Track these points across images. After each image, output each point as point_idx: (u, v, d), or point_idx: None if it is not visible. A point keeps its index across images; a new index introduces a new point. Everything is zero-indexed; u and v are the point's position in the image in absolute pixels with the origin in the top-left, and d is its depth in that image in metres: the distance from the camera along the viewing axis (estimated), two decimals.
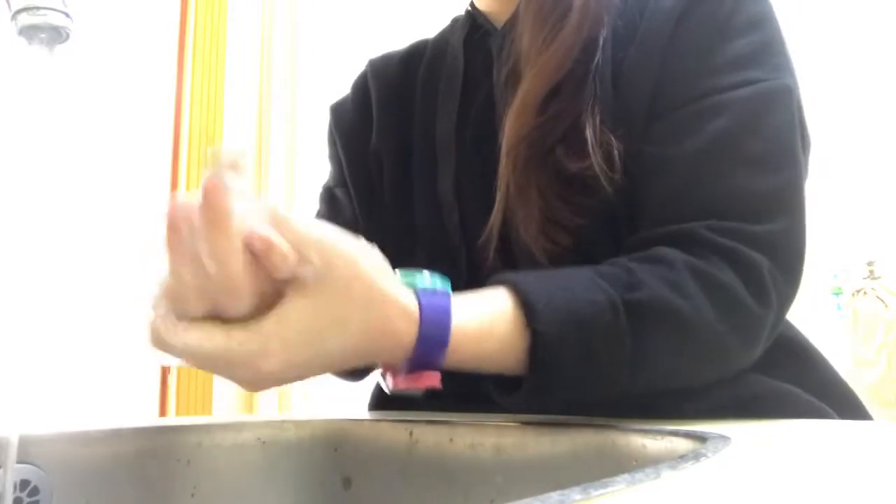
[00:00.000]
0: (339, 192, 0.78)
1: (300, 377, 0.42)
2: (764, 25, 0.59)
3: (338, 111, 0.81)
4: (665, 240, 0.53)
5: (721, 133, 0.55)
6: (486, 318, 0.47)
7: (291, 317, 0.39)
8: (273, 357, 0.39)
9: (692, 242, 0.53)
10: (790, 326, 0.65)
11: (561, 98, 0.60)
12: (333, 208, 0.78)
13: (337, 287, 0.40)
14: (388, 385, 0.48)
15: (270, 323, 0.39)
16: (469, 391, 0.63)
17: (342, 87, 0.83)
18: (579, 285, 0.49)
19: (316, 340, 0.40)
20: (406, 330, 0.43)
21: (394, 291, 0.43)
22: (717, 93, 0.56)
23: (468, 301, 0.47)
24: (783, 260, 0.54)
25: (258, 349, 0.39)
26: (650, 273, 0.50)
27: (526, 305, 0.47)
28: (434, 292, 0.45)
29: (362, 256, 0.42)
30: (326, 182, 0.81)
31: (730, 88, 0.56)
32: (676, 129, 0.57)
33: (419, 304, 0.44)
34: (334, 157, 0.80)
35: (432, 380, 0.45)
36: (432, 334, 0.44)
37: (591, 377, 0.49)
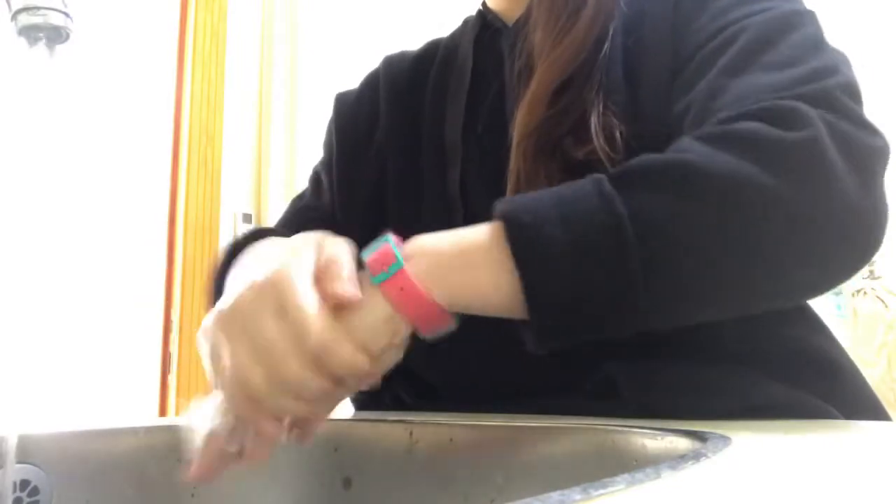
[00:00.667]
0: (324, 177, 0.79)
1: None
2: None
3: (341, 101, 0.82)
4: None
5: (739, 51, 0.52)
6: (454, 233, 0.44)
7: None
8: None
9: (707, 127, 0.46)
10: (820, 333, 0.61)
11: (571, 90, 0.60)
12: (317, 191, 0.80)
13: None
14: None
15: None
16: (469, 391, 0.64)
17: (342, 87, 0.83)
18: (557, 189, 0.44)
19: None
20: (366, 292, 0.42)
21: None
22: (730, 25, 0.54)
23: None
24: (824, 104, 0.44)
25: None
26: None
27: (496, 207, 0.43)
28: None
29: None
30: (316, 165, 0.83)
31: (744, 17, 0.54)
32: (697, 69, 0.55)
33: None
34: (327, 144, 0.81)
35: (429, 309, 0.41)
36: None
37: (588, 254, 0.40)
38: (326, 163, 0.80)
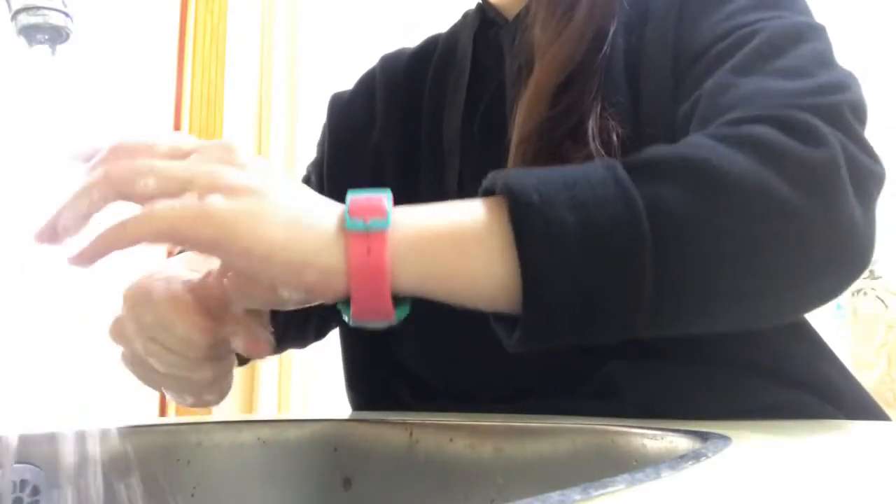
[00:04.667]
0: (314, 178, 0.79)
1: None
2: None
3: (334, 102, 0.82)
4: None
5: (752, 49, 0.51)
6: (447, 206, 0.40)
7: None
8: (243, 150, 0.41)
9: (721, 125, 0.45)
10: (816, 345, 0.61)
11: (572, 90, 0.59)
12: None
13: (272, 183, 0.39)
14: (348, 316, 0.39)
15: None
16: (469, 391, 0.64)
17: (342, 87, 0.83)
18: (563, 167, 0.41)
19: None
20: (331, 218, 0.38)
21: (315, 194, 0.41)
22: (743, 27, 0.53)
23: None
24: (839, 125, 0.43)
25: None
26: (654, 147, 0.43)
27: (495, 179, 0.40)
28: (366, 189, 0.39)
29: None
30: (308, 165, 0.83)
31: (757, 21, 0.53)
32: (705, 70, 0.53)
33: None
34: (319, 144, 0.81)
35: (381, 298, 0.37)
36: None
37: (600, 246, 0.36)
38: (317, 163, 0.80)
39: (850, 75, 0.50)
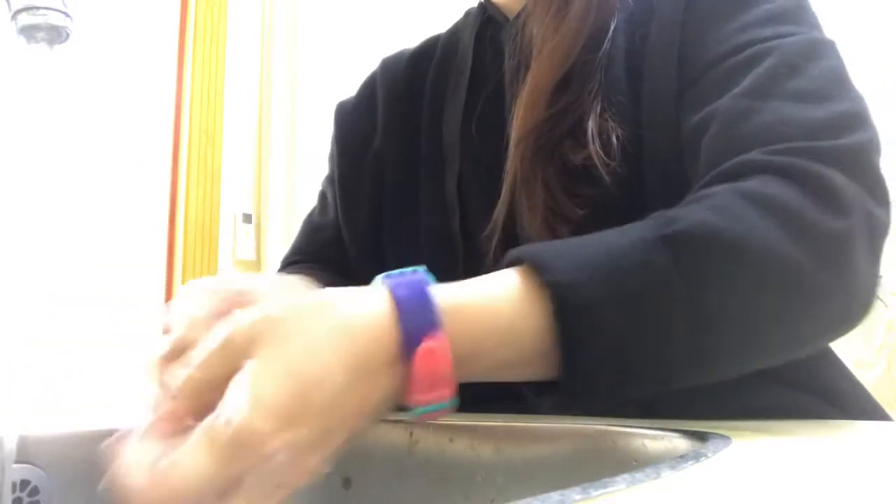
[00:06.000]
0: (328, 194, 0.79)
1: (316, 443, 0.32)
2: None
3: (340, 111, 0.81)
4: (711, 182, 0.46)
5: (767, 70, 0.50)
6: (488, 290, 0.38)
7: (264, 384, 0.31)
8: (273, 426, 0.30)
9: (740, 172, 0.45)
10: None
11: (571, 89, 0.59)
12: (324, 208, 0.80)
13: (288, 330, 0.33)
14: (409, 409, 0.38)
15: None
16: (469, 391, 0.63)
17: (342, 87, 0.83)
18: (598, 237, 0.40)
19: (308, 382, 0.32)
20: (380, 317, 0.34)
21: (349, 293, 0.36)
22: (758, 42, 0.52)
23: (465, 283, 0.38)
24: (859, 173, 0.45)
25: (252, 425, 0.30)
26: (688, 208, 0.42)
27: (535, 262, 0.38)
28: (402, 274, 0.37)
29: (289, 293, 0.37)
30: (323, 181, 0.82)
31: (773, 38, 0.52)
32: (718, 83, 0.53)
33: (388, 289, 0.35)
34: (330, 158, 0.81)
35: (443, 385, 0.35)
36: (412, 307, 0.35)
37: (639, 338, 0.38)
38: (330, 178, 0.80)
39: (862, 99, 0.51)
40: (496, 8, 0.72)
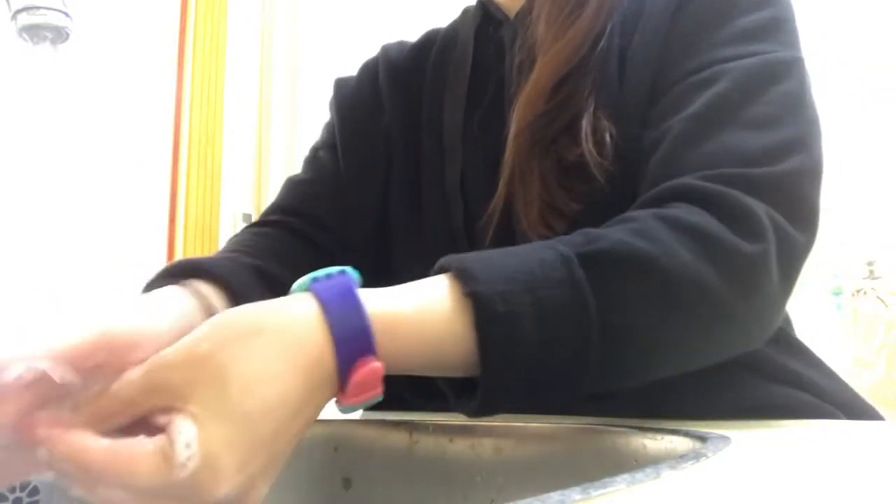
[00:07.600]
0: (322, 154, 0.78)
1: (269, 467, 0.34)
2: (774, 3, 0.57)
3: (341, 86, 0.81)
4: (647, 202, 0.49)
5: (719, 96, 0.52)
6: (417, 301, 0.40)
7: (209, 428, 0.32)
8: (226, 469, 0.32)
9: (666, 197, 0.48)
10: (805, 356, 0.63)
11: (568, 86, 0.60)
12: (314, 166, 0.78)
13: (223, 362, 0.34)
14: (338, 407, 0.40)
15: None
16: (469, 390, 0.63)
17: None
18: (525, 249, 0.44)
19: (254, 419, 0.33)
20: (315, 340, 0.36)
21: (278, 306, 0.37)
22: (718, 63, 0.54)
23: (396, 289, 0.41)
24: (783, 198, 0.48)
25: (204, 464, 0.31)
26: (611, 229, 0.45)
27: (462, 273, 0.41)
28: (329, 276, 0.39)
29: (216, 327, 0.36)
30: (315, 144, 0.81)
31: (733, 58, 0.53)
32: (675, 101, 0.55)
33: (320, 307, 0.37)
34: (329, 126, 0.80)
35: (373, 384, 0.38)
36: (346, 331, 0.37)
37: (554, 350, 0.40)
38: (328, 140, 0.79)
39: (812, 122, 0.53)
40: (496, 6, 0.72)
